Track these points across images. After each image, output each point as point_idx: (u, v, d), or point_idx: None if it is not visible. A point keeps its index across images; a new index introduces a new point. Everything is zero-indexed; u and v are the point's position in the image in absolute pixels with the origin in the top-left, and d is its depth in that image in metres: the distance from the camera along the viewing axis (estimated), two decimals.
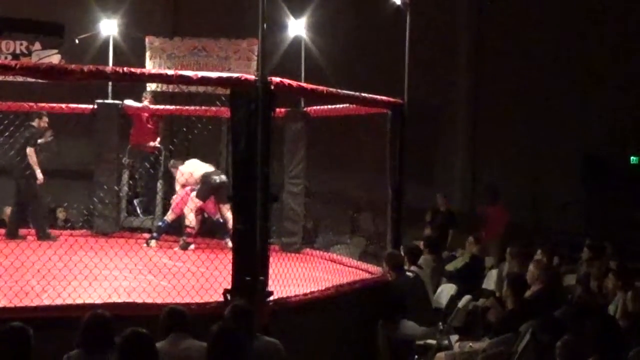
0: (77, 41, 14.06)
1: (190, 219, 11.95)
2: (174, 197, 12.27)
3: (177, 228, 12.43)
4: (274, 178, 7.99)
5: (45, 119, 12.08)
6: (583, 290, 9.78)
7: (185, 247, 11.75)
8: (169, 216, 12.17)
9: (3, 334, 5.18)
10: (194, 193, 11.90)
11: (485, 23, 17.15)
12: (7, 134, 11.93)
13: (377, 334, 9.16)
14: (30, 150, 11.72)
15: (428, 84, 15.03)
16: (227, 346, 5.16)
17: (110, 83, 12.73)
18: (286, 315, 7.65)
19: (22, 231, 12.26)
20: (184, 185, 12.02)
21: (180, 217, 12.22)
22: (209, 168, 12.07)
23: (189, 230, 12.00)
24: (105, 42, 13.66)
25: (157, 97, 13.85)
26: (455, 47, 17.26)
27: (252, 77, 7.63)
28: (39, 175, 11.76)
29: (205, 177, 11.87)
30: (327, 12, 14.30)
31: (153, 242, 11.93)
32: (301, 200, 11.85)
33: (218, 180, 11.90)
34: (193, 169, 11.96)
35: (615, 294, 8.86)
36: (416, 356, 9.00)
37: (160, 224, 12.24)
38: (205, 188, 11.86)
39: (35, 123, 11.98)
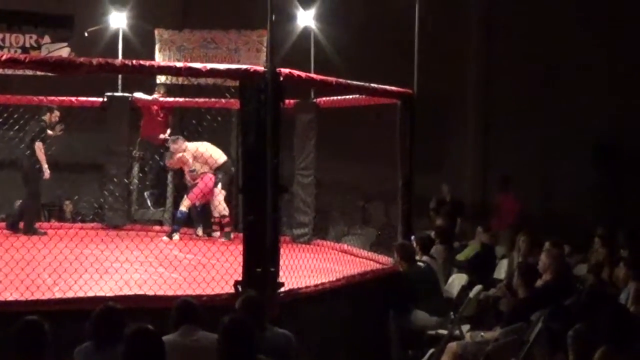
0: (86, 34, 14.04)
1: (224, 209, 11.96)
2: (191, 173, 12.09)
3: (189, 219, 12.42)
4: (284, 169, 7.98)
5: (57, 113, 12.09)
6: (594, 279, 9.76)
7: (228, 237, 11.73)
8: (184, 204, 12.02)
9: (19, 328, 5.18)
10: (220, 186, 11.91)
11: (495, 11, 17.08)
12: (17, 127, 11.95)
13: (388, 324, 9.17)
14: (38, 145, 11.70)
15: (438, 74, 14.96)
16: (238, 337, 5.15)
17: (120, 76, 12.77)
18: (297, 307, 7.65)
19: (44, 225, 12.30)
20: (194, 158, 11.95)
21: (197, 206, 12.26)
22: (223, 154, 12.10)
23: (227, 220, 12.02)
24: (115, 35, 13.66)
25: (168, 90, 13.87)
26: (465, 37, 17.20)
27: (261, 68, 7.62)
28: (46, 171, 11.73)
29: (227, 167, 11.96)
30: (336, 3, 14.26)
31: (177, 236, 11.88)
32: (311, 192, 11.84)
33: (234, 170, 11.99)
34: (217, 154, 12.00)
35: (626, 283, 8.83)
36: (427, 346, 9.00)
37: (179, 215, 12.09)
38: (227, 178, 11.97)
39: (46, 117, 11.97)
